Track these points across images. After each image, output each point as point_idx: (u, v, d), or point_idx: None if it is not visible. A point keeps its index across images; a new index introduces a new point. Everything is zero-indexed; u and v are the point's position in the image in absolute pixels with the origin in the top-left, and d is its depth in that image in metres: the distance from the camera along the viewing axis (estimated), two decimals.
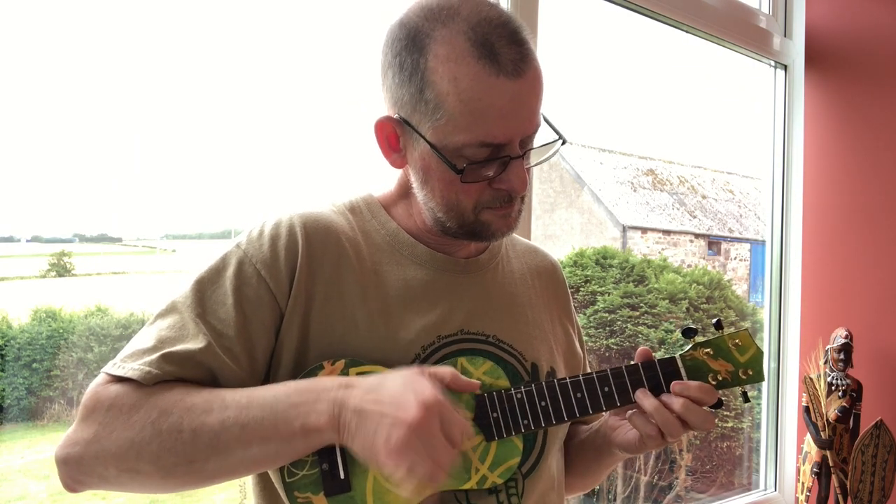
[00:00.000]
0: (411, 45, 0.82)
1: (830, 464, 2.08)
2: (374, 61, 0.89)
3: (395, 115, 0.86)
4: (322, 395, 0.75)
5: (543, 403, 0.86)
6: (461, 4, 0.82)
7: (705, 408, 0.88)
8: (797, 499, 2.22)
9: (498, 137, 0.81)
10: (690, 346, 0.94)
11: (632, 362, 0.92)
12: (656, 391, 0.90)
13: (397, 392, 0.73)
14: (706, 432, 4.60)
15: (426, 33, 0.81)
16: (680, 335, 0.95)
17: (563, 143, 0.89)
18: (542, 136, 0.89)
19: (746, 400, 0.96)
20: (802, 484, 2.17)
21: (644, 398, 0.88)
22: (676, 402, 0.87)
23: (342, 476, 0.78)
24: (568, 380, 0.88)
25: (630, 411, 0.92)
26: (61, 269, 3.21)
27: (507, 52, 0.79)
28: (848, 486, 2.06)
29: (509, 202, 0.87)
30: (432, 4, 0.83)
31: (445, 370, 0.79)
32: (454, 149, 0.82)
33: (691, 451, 4.71)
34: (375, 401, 0.73)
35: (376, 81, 0.90)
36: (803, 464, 2.18)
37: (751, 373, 0.94)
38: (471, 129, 0.80)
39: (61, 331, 2.90)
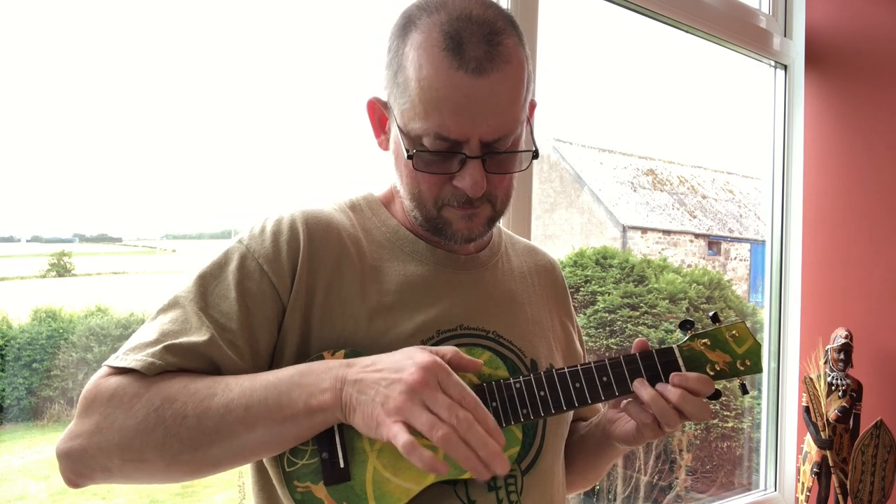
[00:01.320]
0: (399, 31, 0.85)
1: (830, 464, 2.08)
2: (381, 51, 0.91)
3: (384, 97, 0.89)
4: (325, 374, 0.75)
5: (542, 393, 0.86)
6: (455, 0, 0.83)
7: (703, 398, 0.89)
8: (797, 499, 2.22)
9: (452, 132, 0.81)
10: (688, 337, 0.94)
11: (630, 352, 0.92)
12: (654, 381, 0.90)
13: (396, 359, 0.75)
14: (705, 428, 4.61)
15: (412, 21, 0.83)
16: (678, 328, 0.95)
17: (536, 157, 0.89)
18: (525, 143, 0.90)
19: (745, 391, 0.95)
20: (802, 484, 2.17)
21: (641, 388, 0.88)
22: (673, 393, 0.87)
23: (342, 465, 0.78)
24: (567, 370, 0.88)
25: (626, 401, 0.92)
26: (61, 269, 3.21)
27: (474, 50, 0.80)
28: (848, 486, 2.06)
29: (469, 203, 0.87)
30: None
31: (447, 348, 0.79)
32: (415, 136, 0.83)
33: (691, 451, 4.70)
34: (375, 370, 0.74)
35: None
36: (803, 464, 2.18)
37: (748, 363, 0.93)
38: (427, 117, 0.81)
39: (61, 331, 2.90)
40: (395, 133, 0.87)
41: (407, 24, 0.84)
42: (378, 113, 0.91)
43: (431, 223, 0.90)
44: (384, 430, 0.70)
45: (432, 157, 0.83)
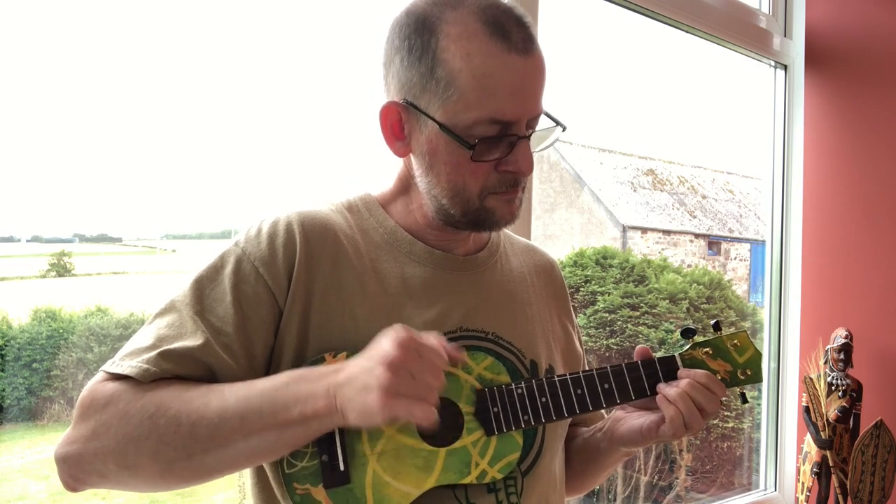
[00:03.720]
0: (421, 29, 0.84)
1: (830, 464, 2.08)
2: (377, 54, 0.90)
3: (402, 100, 0.86)
4: (318, 381, 0.76)
5: (544, 399, 0.87)
6: None
7: None
8: (797, 499, 2.22)
9: (507, 114, 0.83)
10: (689, 345, 0.95)
11: (631, 360, 0.93)
12: (654, 390, 0.91)
13: (374, 347, 0.76)
14: (705, 428, 4.60)
15: (436, 16, 0.83)
16: (680, 335, 0.96)
17: (564, 129, 0.91)
18: (542, 123, 0.90)
19: (745, 401, 0.97)
20: (802, 484, 2.17)
21: (667, 387, 0.90)
22: (685, 381, 0.89)
23: (342, 468, 0.79)
24: (568, 376, 0.89)
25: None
26: (61, 269, 3.21)
27: (516, 31, 0.82)
28: (848, 486, 2.06)
29: (514, 186, 0.88)
30: None
31: (429, 333, 0.79)
32: (464, 127, 0.83)
33: (691, 451, 4.71)
34: (358, 364, 0.75)
35: (378, 74, 0.90)
36: (803, 464, 2.18)
37: (749, 373, 0.95)
38: (482, 104, 0.82)
39: (61, 331, 2.90)
40: (428, 132, 0.85)
41: (427, 21, 0.83)
42: (391, 119, 0.87)
43: (471, 216, 0.89)
44: (387, 417, 0.72)
45: (486, 144, 0.84)
